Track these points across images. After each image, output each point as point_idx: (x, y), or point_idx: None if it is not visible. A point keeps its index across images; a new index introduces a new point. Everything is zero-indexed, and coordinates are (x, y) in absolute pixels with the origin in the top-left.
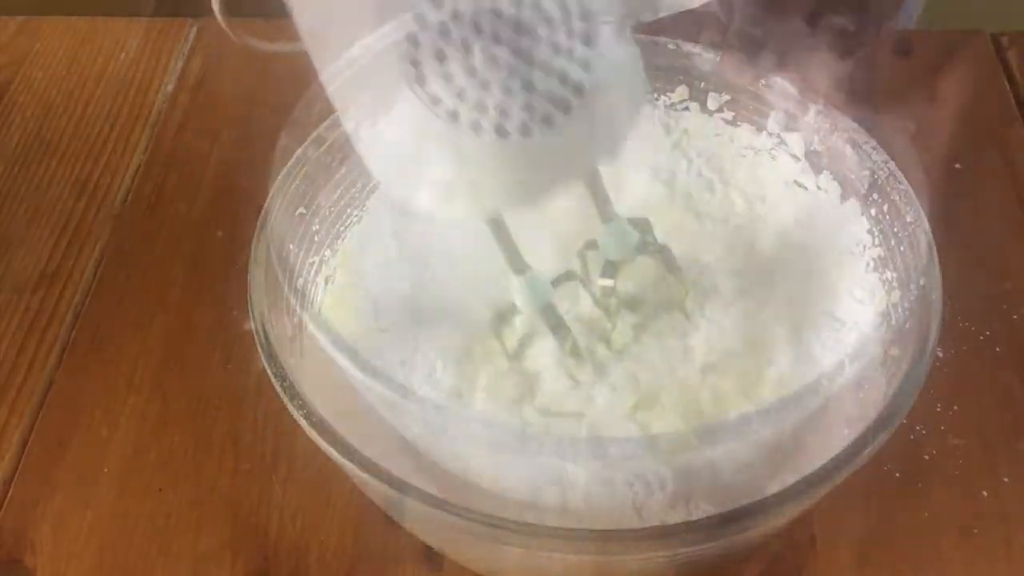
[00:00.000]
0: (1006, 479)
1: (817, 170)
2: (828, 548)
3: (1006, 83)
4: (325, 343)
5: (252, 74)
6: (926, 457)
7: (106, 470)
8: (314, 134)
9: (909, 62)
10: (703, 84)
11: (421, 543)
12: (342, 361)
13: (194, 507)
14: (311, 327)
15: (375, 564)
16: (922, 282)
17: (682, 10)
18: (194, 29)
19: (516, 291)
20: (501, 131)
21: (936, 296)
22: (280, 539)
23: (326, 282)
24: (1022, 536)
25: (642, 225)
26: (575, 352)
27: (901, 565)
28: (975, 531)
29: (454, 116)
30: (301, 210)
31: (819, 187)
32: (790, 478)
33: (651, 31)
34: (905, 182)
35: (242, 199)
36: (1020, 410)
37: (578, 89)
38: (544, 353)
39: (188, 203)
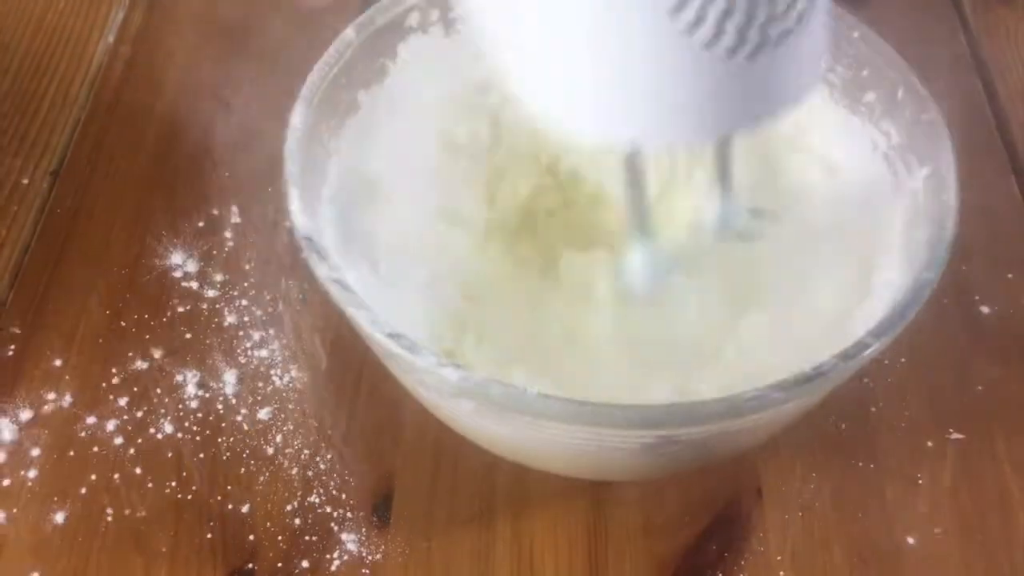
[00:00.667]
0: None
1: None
2: (774, 498)
3: (962, 35)
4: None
5: (195, 25)
6: (873, 409)
7: (46, 434)
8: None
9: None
10: None
11: (369, 501)
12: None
13: (136, 470)
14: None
15: (322, 522)
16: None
17: None
18: None
19: (633, 261)
20: (730, 51)
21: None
22: (224, 501)
23: None
24: (967, 485)
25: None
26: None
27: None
28: (920, 481)
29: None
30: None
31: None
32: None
33: None
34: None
35: (185, 154)
36: (966, 366)
37: (800, 15)
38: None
39: (130, 159)
